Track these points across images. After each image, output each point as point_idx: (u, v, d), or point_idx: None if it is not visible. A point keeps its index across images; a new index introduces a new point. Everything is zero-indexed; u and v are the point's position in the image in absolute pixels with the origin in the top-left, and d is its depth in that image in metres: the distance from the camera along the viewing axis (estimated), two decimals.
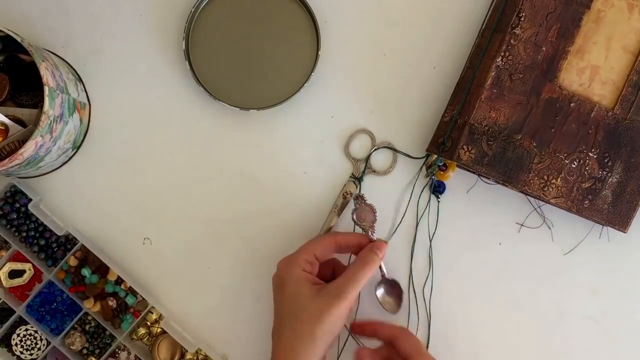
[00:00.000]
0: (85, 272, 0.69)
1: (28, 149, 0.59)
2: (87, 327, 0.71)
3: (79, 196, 0.71)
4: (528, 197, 0.70)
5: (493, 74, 0.64)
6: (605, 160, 0.65)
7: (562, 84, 0.65)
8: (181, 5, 0.71)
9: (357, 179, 0.70)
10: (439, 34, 0.71)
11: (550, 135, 0.64)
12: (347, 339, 0.71)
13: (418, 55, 0.71)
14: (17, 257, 0.71)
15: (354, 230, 0.68)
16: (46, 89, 0.59)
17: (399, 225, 0.71)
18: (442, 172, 0.70)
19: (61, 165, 0.71)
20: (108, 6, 0.71)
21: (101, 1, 0.71)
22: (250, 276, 0.71)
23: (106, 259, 0.68)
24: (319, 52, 0.69)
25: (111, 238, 0.71)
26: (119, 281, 0.70)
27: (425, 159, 0.70)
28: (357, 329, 0.65)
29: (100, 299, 0.70)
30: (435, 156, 0.67)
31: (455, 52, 0.71)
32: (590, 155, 0.65)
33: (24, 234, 0.70)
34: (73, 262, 0.70)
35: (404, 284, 0.71)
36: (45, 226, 0.70)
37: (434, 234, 0.71)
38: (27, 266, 0.71)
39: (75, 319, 0.69)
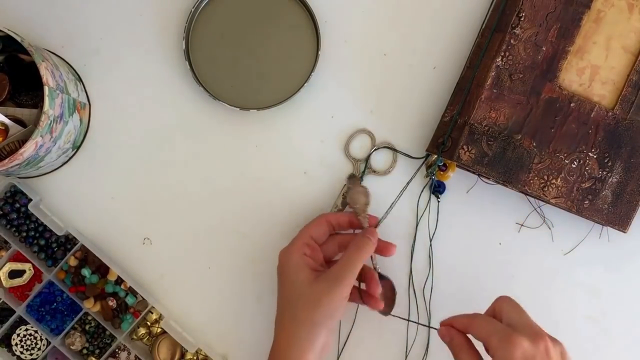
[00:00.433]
0: (85, 272, 0.69)
1: (28, 149, 0.59)
2: (87, 327, 0.71)
3: (79, 196, 0.71)
4: (528, 197, 0.70)
5: (493, 74, 0.64)
6: (605, 160, 0.65)
7: (562, 84, 0.65)
8: (181, 6, 0.71)
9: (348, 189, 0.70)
10: (439, 34, 0.71)
11: (550, 135, 0.64)
12: (347, 339, 0.71)
13: (418, 55, 0.71)
14: (17, 257, 0.71)
15: None
16: (46, 89, 0.59)
17: (399, 225, 0.71)
18: (442, 172, 0.70)
19: (61, 165, 0.71)
20: (108, 6, 0.71)
21: (101, 1, 0.71)
22: (250, 276, 0.71)
23: (106, 259, 0.68)
24: (319, 52, 0.69)
25: (111, 238, 0.71)
26: (119, 281, 0.70)
27: (425, 159, 0.70)
28: (446, 331, 0.63)
29: (100, 299, 0.70)
30: (435, 156, 0.67)
31: (455, 52, 0.71)
32: (590, 155, 0.65)
33: (24, 234, 0.70)
34: (73, 262, 0.70)
35: (404, 284, 0.71)
36: (45, 226, 0.70)
37: (434, 234, 0.71)
38: (27, 266, 0.71)
39: (75, 319, 0.69)
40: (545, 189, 0.65)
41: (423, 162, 0.71)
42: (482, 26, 0.70)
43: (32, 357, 0.70)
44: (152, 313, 0.71)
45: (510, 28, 0.63)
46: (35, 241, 0.71)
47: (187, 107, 0.71)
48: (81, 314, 0.69)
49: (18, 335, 0.70)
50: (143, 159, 0.71)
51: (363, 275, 0.64)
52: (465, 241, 0.71)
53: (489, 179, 0.68)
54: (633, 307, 0.71)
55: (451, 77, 0.70)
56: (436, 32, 0.71)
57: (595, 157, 0.65)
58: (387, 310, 0.65)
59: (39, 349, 0.70)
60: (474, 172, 0.68)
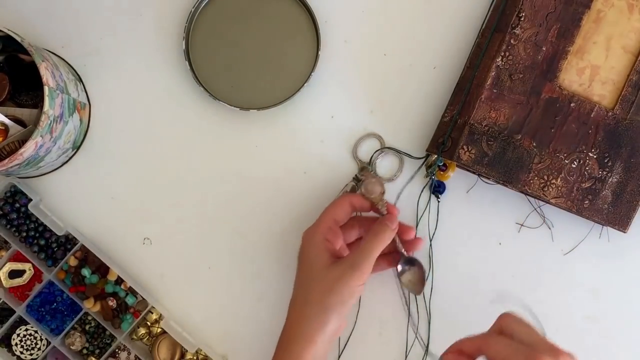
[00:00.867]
0: (85, 272, 0.69)
1: (28, 149, 0.59)
2: (87, 327, 0.71)
3: (79, 196, 0.71)
4: (528, 197, 0.70)
5: (493, 74, 0.64)
6: (605, 160, 0.65)
7: (562, 84, 0.65)
8: (181, 5, 0.71)
9: (360, 181, 0.70)
10: (439, 34, 0.71)
11: (550, 135, 0.64)
12: (348, 340, 0.71)
13: (418, 55, 0.71)
14: (17, 257, 0.71)
15: None
16: (46, 89, 0.59)
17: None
18: (442, 172, 0.70)
19: (61, 165, 0.71)
20: (108, 6, 0.71)
21: (101, 1, 0.71)
22: (250, 276, 0.71)
23: (106, 259, 0.68)
24: (319, 52, 0.69)
25: (111, 238, 0.71)
26: (119, 281, 0.70)
27: (425, 159, 0.70)
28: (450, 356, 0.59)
29: (100, 299, 0.70)
30: (435, 156, 0.67)
31: (455, 52, 0.71)
32: (590, 155, 0.65)
33: (24, 234, 0.70)
34: (73, 262, 0.70)
35: None
36: (45, 226, 0.70)
37: (434, 234, 0.71)
38: (27, 266, 0.71)
39: (75, 319, 0.69)
40: (545, 189, 0.65)
41: (423, 162, 0.71)
42: (482, 26, 0.70)
43: (32, 357, 0.70)
44: (152, 313, 0.71)
45: (510, 28, 0.63)
46: (35, 241, 0.71)
47: (187, 107, 0.71)
48: (81, 314, 0.69)
49: (18, 335, 0.70)
50: (143, 159, 0.71)
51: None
52: (465, 241, 0.71)
53: (489, 179, 0.68)
54: (633, 307, 0.71)
55: (451, 77, 0.70)
56: (436, 32, 0.71)
57: (595, 157, 0.65)
58: (420, 289, 0.66)
59: (39, 349, 0.70)
60: (474, 172, 0.68)
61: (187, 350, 0.70)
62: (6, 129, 0.64)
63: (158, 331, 0.71)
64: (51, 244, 0.71)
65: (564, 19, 0.64)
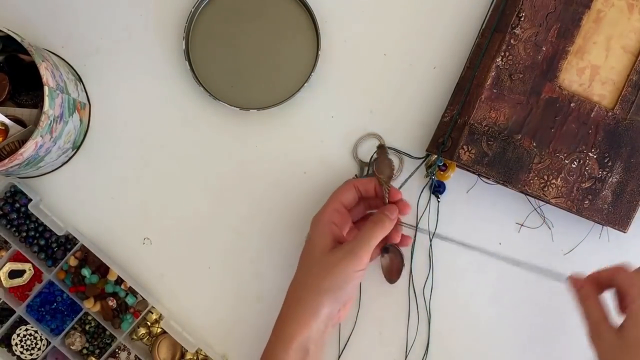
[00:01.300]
0: (85, 272, 0.69)
1: (28, 149, 0.59)
2: (87, 327, 0.71)
3: (79, 196, 0.71)
4: (528, 197, 0.70)
5: (493, 74, 0.64)
6: (605, 160, 0.65)
7: (562, 84, 0.65)
8: (181, 5, 0.71)
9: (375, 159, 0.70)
10: (439, 34, 0.71)
11: (550, 135, 0.64)
12: (348, 340, 0.71)
13: (418, 55, 0.71)
14: (17, 257, 0.71)
15: None
16: (46, 89, 0.59)
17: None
18: (442, 172, 0.70)
19: (61, 165, 0.71)
20: (108, 6, 0.71)
21: (101, 1, 0.71)
22: (250, 276, 0.71)
23: (106, 259, 0.68)
24: (319, 52, 0.69)
25: (111, 238, 0.71)
26: (119, 281, 0.70)
27: (425, 159, 0.70)
28: (576, 280, 0.64)
29: (100, 299, 0.70)
30: (435, 156, 0.67)
31: (455, 52, 0.71)
32: (590, 155, 0.65)
33: (24, 234, 0.70)
34: (73, 262, 0.70)
35: (404, 284, 0.71)
36: (45, 226, 0.70)
37: (433, 234, 0.71)
38: (27, 266, 0.71)
39: (75, 319, 0.69)
40: (545, 189, 0.65)
41: (423, 162, 0.71)
42: (482, 26, 0.70)
43: (32, 357, 0.70)
44: (152, 313, 0.71)
45: (510, 28, 0.63)
46: (35, 241, 0.71)
47: (187, 107, 0.71)
48: (81, 314, 0.69)
49: (18, 335, 0.70)
50: (143, 159, 0.71)
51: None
52: (466, 241, 0.71)
53: (489, 179, 0.68)
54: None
55: (451, 77, 0.70)
56: (436, 32, 0.71)
57: (595, 157, 0.65)
58: (395, 279, 0.66)
59: (39, 349, 0.70)
60: (474, 172, 0.68)
61: (187, 350, 0.70)
62: (6, 129, 0.64)
63: (158, 331, 0.71)
64: (51, 244, 0.71)
65: (564, 19, 0.64)
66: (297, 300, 0.62)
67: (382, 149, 0.68)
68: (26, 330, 0.70)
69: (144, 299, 0.70)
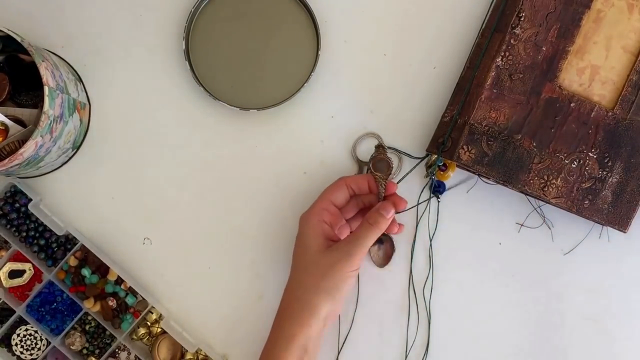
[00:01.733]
0: (85, 272, 0.69)
1: (28, 149, 0.59)
2: (87, 327, 0.71)
3: (79, 196, 0.71)
4: (528, 197, 0.70)
5: (493, 74, 0.64)
6: (605, 160, 0.65)
7: (562, 84, 0.65)
8: (181, 5, 0.71)
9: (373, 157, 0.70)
10: (439, 34, 0.71)
11: (550, 135, 0.64)
12: (346, 339, 0.71)
13: (418, 55, 0.71)
14: (17, 257, 0.71)
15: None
16: (46, 89, 0.59)
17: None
18: (442, 172, 0.70)
19: (61, 165, 0.71)
20: (108, 6, 0.71)
21: (101, 1, 0.71)
22: (250, 276, 0.71)
23: (106, 259, 0.68)
24: (319, 52, 0.69)
25: (111, 238, 0.71)
26: (119, 281, 0.70)
27: (425, 159, 0.70)
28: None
29: (100, 299, 0.70)
30: (435, 156, 0.67)
31: (455, 52, 0.71)
32: (590, 155, 0.65)
33: (24, 234, 0.70)
34: (73, 262, 0.70)
35: (404, 284, 0.71)
36: (45, 226, 0.70)
37: (434, 234, 0.71)
38: (27, 266, 0.71)
39: (75, 319, 0.69)
40: (545, 189, 0.65)
41: (421, 161, 0.70)
42: (482, 26, 0.70)
43: (32, 357, 0.70)
44: (152, 313, 0.71)
45: (510, 28, 0.63)
46: (35, 241, 0.71)
47: (187, 107, 0.71)
48: (81, 314, 0.69)
49: (18, 335, 0.70)
50: (143, 159, 0.71)
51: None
52: (465, 241, 0.71)
53: (489, 179, 0.68)
54: (633, 307, 0.71)
55: (451, 77, 0.70)
56: (436, 32, 0.71)
57: (595, 157, 0.65)
58: (386, 264, 0.69)
59: (39, 349, 0.70)
60: (474, 172, 0.68)
61: (187, 350, 0.70)
62: (6, 129, 0.64)
63: (158, 331, 0.71)
64: (51, 244, 0.71)
65: (564, 19, 0.64)
66: (295, 300, 0.62)
67: (380, 148, 0.68)
68: (26, 330, 0.70)
69: (144, 299, 0.70)
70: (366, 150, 0.71)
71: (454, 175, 0.70)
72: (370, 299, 0.71)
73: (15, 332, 0.70)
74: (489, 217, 0.71)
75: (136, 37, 0.71)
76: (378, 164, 0.67)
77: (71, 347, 0.70)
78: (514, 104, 0.64)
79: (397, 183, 0.70)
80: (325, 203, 0.64)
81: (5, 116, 0.65)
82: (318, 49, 0.69)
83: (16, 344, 0.70)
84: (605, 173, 0.65)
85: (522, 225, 0.71)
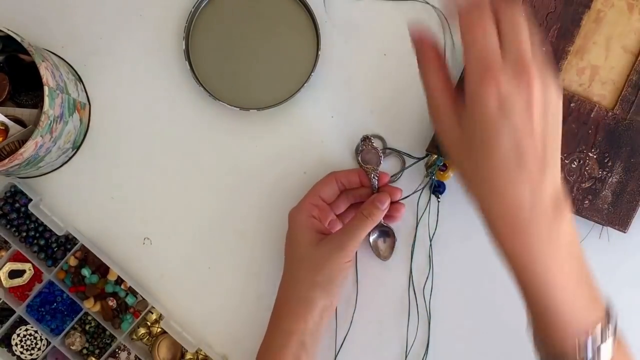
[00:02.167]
0: (85, 272, 0.69)
1: (28, 149, 0.59)
2: (87, 327, 0.71)
3: (79, 196, 0.71)
4: None
5: None
6: (605, 160, 0.65)
7: (562, 84, 0.65)
8: (181, 5, 0.71)
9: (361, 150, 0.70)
10: (439, 34, 0.71)
11: None
12: (344, 338, 0.71)
13: None
14: (17, 257, 0.71)
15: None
16: (46, 89, 0.59)
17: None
18: (442, 172, 0.70)
19: (61, 165, 0.71)
20: (108, 6, 0.71)
21: (101, 1, 0.71)
22: (250, 276, 0.71)
23: (106, 259, 0.68)
24: (319, 52, 0.69)
25: (111, 238, 0.71)
26: (119, 281, 0.70)
27: (425, 159, 0.70)
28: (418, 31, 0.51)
29: (100, 299, 0.70)
30: (435, 156, 0.67)
31: (455, 52, 0.71)
32: (590, 155, 0.65)
33: (24, 234, 0.70)
34: (73, 262, 0.70)
35: (403, 284, 0.71)
36: (45, 226, 0.70)
37: (434, 234, 0.71)
38: (27, 266, 0.71)
39: (75, 319, 0.69)
40: None
41: (419, 161, 0.70)
42: None
43: (32, 357, 0.70)
44: (152, 313, 0.71)
45: None
46: (35, 241, 0.71)
47: (187, 107, 0.71)
48: (81, 314, 0.69)
49: (18, 335, 0.70)
50: (143, 158, 0.71)
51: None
52: (466, 241, 0.71)
53: None
54: (633, 307, 0.71)
55: (451, 77, 0.70)
56: (437, 31, 0.71)
57: (595, 157, 0.65)
58: (387, 256, 0.69)
59: (39, 349, 0.70)
60: None
61: (187, 350, 0.70)
62: (6, 129, 0.64)
63: (158, 331, 0.71)
64: (51, 244, 0.71)
65: (564, 19, 0.64)
66: (291, 296, 0.62)
67: (367, 140, 0.68)
68: (26, 330, 0.70)
69: (144, 299, 0.70)
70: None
71: (454, 175, 0.70)
72: (370, 298, 0.71)
73: (15, 332, 0.70)
74: None
75: (136, 37, 0.71)
76: (366, 155, 0.67)
77: (71, 347, 0.70)
78: None
79: (394, 180, 0.70)
80: (314, 198, 0.64)
81: (5, 116, 0.65)
82: (318, 49, 0.69)
83: (16, 344, 0.70)
84: (605, 173, 0.65)
85: None
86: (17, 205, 0.70)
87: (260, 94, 0.70)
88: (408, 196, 0.70)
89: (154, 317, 0.71)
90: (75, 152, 0.71)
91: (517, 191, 0.46)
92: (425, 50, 0.50)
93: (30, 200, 0.69)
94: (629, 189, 0.65)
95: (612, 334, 0.49)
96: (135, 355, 0.70)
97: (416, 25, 0.51)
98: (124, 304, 0.71)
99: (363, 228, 0.62)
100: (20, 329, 0.70)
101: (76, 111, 0.67)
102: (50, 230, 0.70)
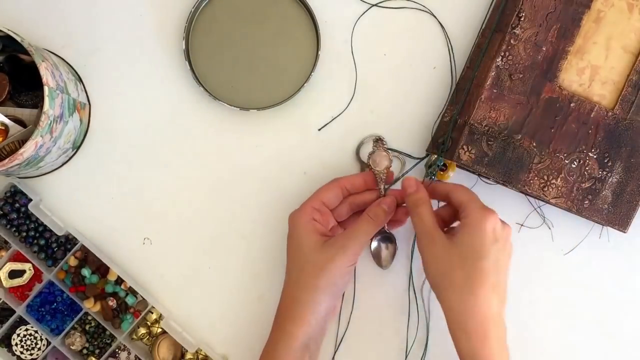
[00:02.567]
0: (85, 272, 0.69)
1: (28, 149, 0.59)
2: (87, 327, 0.71)
3: (79, 196, 0.71)
4: (528, 197, 0.70)
5: (493, 74, 0.64)
6: (605, 160, 0.65)
7: (562, 84, 0.65)
8: (181, 6, 0.71)
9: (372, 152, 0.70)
10: (439, 34, 0.71)
11: (550, 135, 0.64)
12: (342, 338, 0.71)
13: (418, 55, 0.71)
14: (17, 257, 0.71)
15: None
16: (46, 89, 0.59)
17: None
18: (442, 172, 0.70)
19: (61, 165, 0.71)
20: (108, 6, 0.71)
21: (101, 1, 0.71)
22: (250, 276, 0.71)
23: (106, 259, 0.68)
24: (319, 52, 0.69)
25: (111, 238, 0.71)
26: (119, 281, 0.70)
27: (425, 159, 0.70)
28: (414, 182, 0.64)
29: (100, 299, 0.70)
30: (435, 156, 0.67)
31: (455, 52, 0.71)
32: (590, 155, 0.65)
33: (24, 234, 0.70)
34: (73, 262, 0.70)
35: (403, 284, 0.71)
36: (45, 226, 0.70)
37: None
38: (27, 266, 0.71)
39: (75, 319, 0.69)
40: (545, 189, 0.65)
41: (420, 161, 0.70)
42: (482, 26, 0.70)
43: (32, 357, 0.70)
44: (152, 313, 0.71)
45: (510, 28, 0.63)
46: (35, 241, 0.71)
47: (188, 107, 0.71)
48: (81, 314, 0.69)
49: (18, 335, 0.70)
50: (143, 158, 0.71)
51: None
52: None
53: (489, 179, 0.68)
54: (633, 307, 0.71)
55: (451, 77, 0.70)
56: (436, 32, 0.71)
57: (595, 157, 0.65)
58: (388, 265, 0.69)
59: (39, 349, 0.70)
60: (474, 172, 0.68)
61: (187, 350, 0.70)
62: (6, 129, 0.64)
63: (158, 331, 0.71)
64: (51, 244, 0.71)
65: (564, 19, 0.64)
66: (295, 299, 0.62)
67: (379, 142, 0.68)
68: (26, 330, 0.70)
69: (144, 299, 0.70)
70: (368, 151, 0.71)
71: (454, 176, 0.70)
72: (370, 299, 0.71)
73: (15, 332, 0.70)
74: None
75: (136, 37, 0.71)
76: (377, 158, 0.66)
77: (71, 347, 0.70)
78: (514, 104, 0.64)
79: (395, 181, 0.70)
80: (316, 203, 0.64)
81: (5, 116, 0.65)
82: (318, 49, 0.69)
83: (16, 344, 0.70)
84: (605, 173, 0.65)
85: (522, 225, 0.71)
86: (17, 205, 0.70)
87: (260, 94, 0.70)
88: (399, 178, 0.71)
89: (154, 317, 0.71)
90: (75, 152, 0.71)
91: (490, 298, 0.58)
92: (420, 195, 0.62)
93: (30, 200, 0.69)
94: (629, 189, 0.65)
95: None
96: (135, 355, 0.70)
97: (410, 178, 0.63)
98: (124, 304, 0.71)
99: (367, 231, 0.62)
100: (20, 329, 0.70)
101: (76, 111, 0.67)
102: (50, 230, 0.70)
